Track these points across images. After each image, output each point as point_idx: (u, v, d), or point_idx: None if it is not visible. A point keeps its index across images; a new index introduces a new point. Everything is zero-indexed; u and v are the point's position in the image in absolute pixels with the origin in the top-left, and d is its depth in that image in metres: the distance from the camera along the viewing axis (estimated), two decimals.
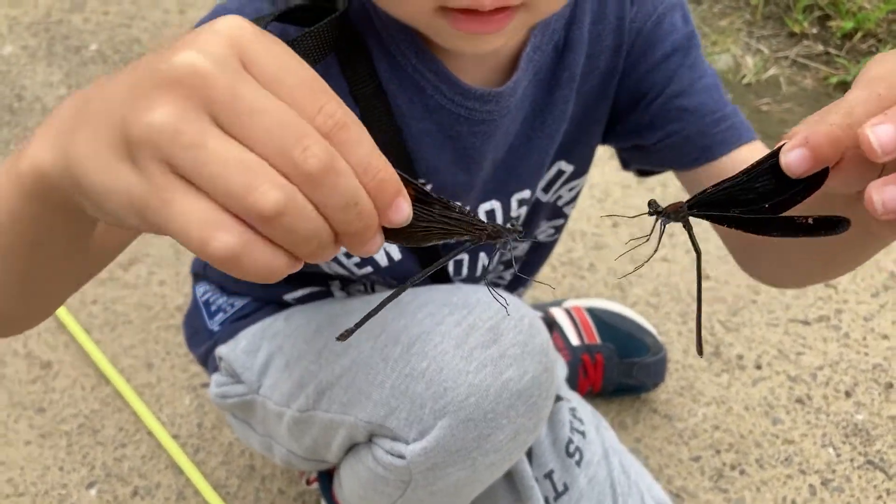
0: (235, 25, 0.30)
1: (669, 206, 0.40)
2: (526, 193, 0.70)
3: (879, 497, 0.96)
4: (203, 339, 0.83)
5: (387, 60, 0.60)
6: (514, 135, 0.66)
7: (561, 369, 0.89)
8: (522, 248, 0.80)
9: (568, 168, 0.72)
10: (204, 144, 0.28)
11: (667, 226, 0.40)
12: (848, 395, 1.07)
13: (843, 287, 1.21)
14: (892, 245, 1.28)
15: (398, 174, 0.31)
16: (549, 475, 0.75)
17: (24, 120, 1.48)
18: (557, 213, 0.78)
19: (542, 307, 1.07)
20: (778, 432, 1.03)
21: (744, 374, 1.09)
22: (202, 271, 0.85)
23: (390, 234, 0.32)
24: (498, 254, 0.75)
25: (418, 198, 0.32)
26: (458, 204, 0.35)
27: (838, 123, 0.33)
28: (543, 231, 0.80)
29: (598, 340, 1.01)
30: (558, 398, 0.80)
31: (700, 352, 0.42)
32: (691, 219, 0.40)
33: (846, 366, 1.10)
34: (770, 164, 0.36)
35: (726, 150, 0.64)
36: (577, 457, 0.77)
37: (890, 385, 1.08)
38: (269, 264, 0.29)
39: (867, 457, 1.00)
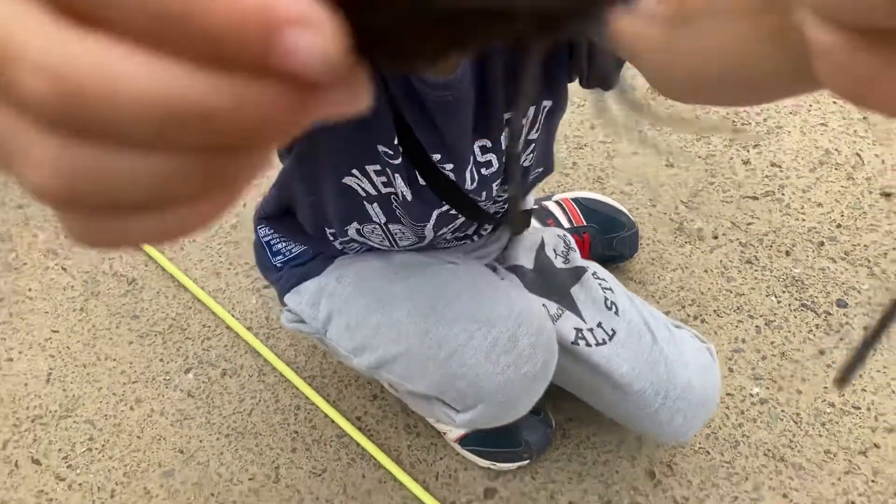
0: None
1: None
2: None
3: (810, 331, 1.22)
4: (269, 270, 1.02)
5: None
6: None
7: (574, 250, 1.09)
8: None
9: (548, 103, 0.84)
10: None
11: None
12: (788, 254, 1.32)
13: (786, 165, 1.44)
14: (827, 123, 1.51)
15: None
16: (599, 324, 0.96)
17: None
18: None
19: (538, 201, 1.30)
20: (731, 288, 1.28)
21: (703, 243, 1.33)
22: (264, 214, 1.00)
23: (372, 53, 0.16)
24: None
25: None
26: None
27: None
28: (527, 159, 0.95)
29: (584, 222, 1.25)
30: (583, 269, 1.01)
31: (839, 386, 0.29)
32: None
33: (787, 230, 1.35)
34: None
35: None
36: (613, 309, 0.98)
37: (821, 243, 1.32)
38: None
39: (801, 301, 1.25)
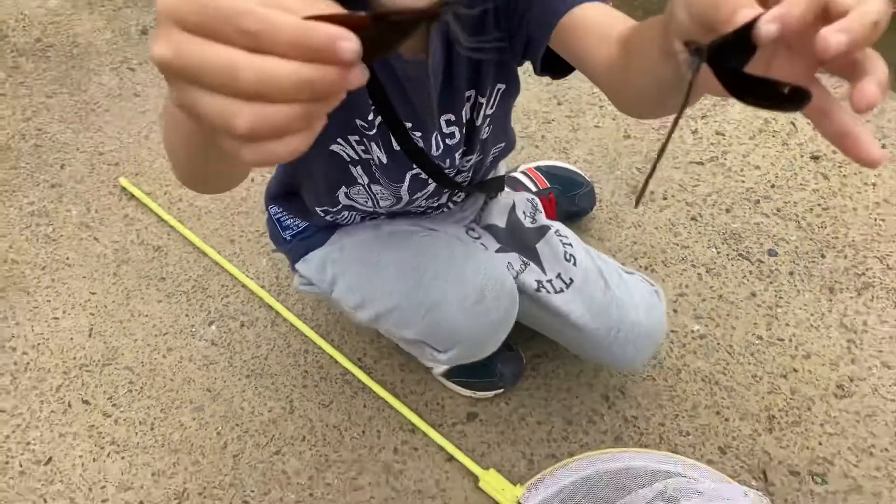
0: None
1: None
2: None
3: (744, 276, 1.42)
4: (280, 242, 1.21)
5: None
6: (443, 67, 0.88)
7: (541, 211, 1.28)
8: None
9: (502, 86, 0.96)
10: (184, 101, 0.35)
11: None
12: (728, 211, 1.51)
13: (729, 133, 1.64)
14: None
15: (335, 15, 0.33)
16: (559, 275, 1.14)
17: (86, 63, 1.84)
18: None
19: (507, 173, 1.49)
20: (678, 241, 1.47)
21: (654, 204, 1.53)
22: (273, 195, 1.19)
23: (366, 56, 0.33)
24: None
25: (372, 18, 0.33)
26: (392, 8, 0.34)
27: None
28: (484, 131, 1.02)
29: (548, 185, 1.44)
30: (546, 227, 1.19)
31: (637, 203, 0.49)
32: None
33: (728, 191, 1.54)
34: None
35: (567, 9, 0.76)
36: (572, 261, 1.15)
37: (757, 201, 1.52)
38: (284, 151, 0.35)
39: (738, 251, 1.45)
